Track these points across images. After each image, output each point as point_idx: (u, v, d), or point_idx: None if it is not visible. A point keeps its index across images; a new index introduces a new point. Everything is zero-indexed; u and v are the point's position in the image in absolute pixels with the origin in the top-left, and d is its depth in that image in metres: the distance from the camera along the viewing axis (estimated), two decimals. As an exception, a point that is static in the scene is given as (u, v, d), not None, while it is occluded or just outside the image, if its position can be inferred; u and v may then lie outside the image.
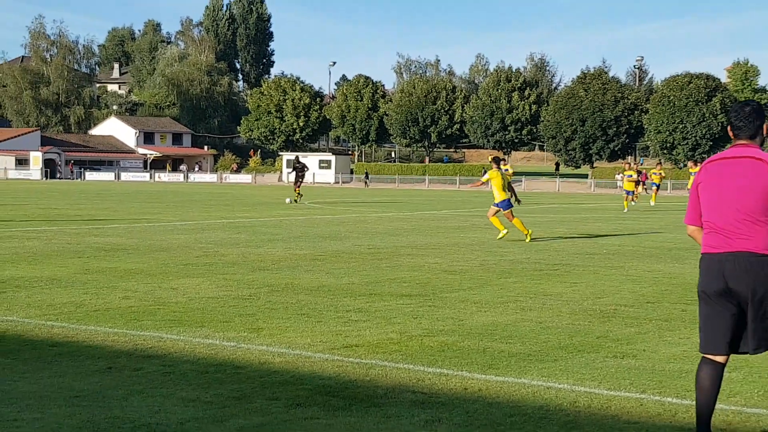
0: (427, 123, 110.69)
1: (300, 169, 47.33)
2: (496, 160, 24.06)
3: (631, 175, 44.49)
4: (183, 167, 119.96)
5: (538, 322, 11.11)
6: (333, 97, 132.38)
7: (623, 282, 15.22)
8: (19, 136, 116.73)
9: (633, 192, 44.82)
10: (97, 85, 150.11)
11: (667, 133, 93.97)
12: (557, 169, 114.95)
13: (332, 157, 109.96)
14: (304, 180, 49.08)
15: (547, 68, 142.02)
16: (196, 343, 9.57)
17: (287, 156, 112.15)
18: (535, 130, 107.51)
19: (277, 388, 7.75)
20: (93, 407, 7.06)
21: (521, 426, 6.74)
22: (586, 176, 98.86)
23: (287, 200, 43.34)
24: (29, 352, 9.04)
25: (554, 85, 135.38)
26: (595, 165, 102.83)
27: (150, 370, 8.31)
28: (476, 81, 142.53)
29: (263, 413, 6.98)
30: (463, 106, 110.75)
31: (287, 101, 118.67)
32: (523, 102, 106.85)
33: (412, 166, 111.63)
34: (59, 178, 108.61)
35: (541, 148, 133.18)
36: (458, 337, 10.12)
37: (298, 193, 46.71)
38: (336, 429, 6.60)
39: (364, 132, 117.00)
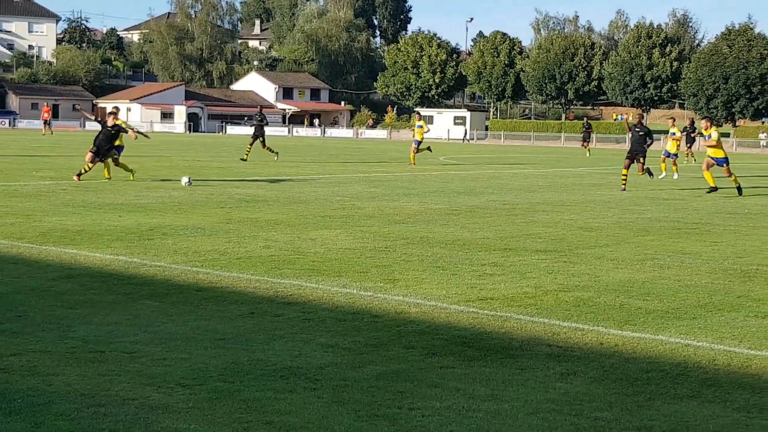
0: (564, 80, 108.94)
1: (259, 120, 39.60)
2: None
3: None
4: (316, 122, 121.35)
5: (677, 280, 10.96)
6: (469, 54, 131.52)
7: (766, 242, 14.83)
8: (164, 90, 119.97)
9: None
10: (239, 41, 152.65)
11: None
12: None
13: (467, 114, 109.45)
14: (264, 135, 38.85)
15: (690, 24, 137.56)
16: (335, 291, 9.80)
17: (424, 112, 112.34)
18: (675, 88, 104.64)
19: (413, 337, 7.90)
20: (237, 350, 7.33)
21: (658, 382, 6.71)
22: (728, 135, 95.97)
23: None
24: (176, 296, 9.42)
25: (697, 41, 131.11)
26: (737, 124, 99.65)
27: (290, 316, 8.57)
28: (615, 37, 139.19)
29: (400, 361, 7.13)
30: (601, 63, 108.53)
31: (424, 57, 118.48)
32: (663, 59, 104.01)
33: (548, 123, 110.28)
34: (202, 132, 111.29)
35: (681, 106, 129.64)
36: (594, 292, 10.08)
37: (268, 150, 38.41)
38: (471, 378, 6.70)
39: (500, 89, 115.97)
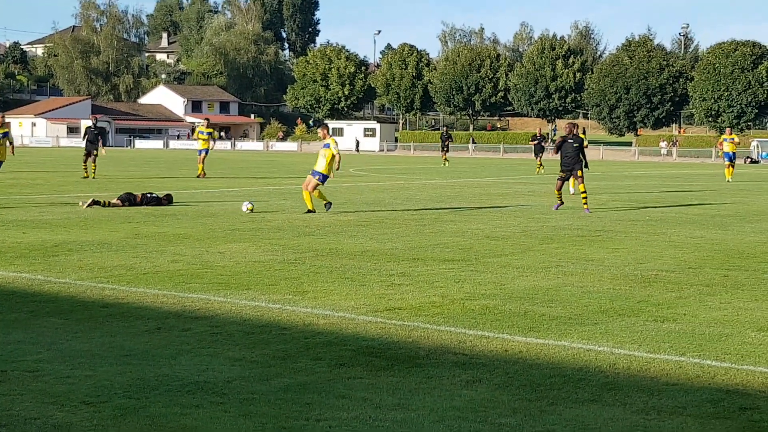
0: (471, 91, 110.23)
1: (97, 134, 34.42)
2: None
3: (734, 139, 39.90)
4: (223, 134, 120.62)
5: (579, 287, 11.20)
6: (378, 66, 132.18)
7: (665, 248, 15.23)
8: (70, 104, 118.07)
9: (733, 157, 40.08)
10: (146, 54, 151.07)
11: (713, 100, 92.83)
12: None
13: (377, 125, 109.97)
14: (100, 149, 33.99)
15: (592, 36, 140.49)
16: (243, 305, 9.79)
17: (333, 124, 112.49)
18: (579, 98, 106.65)
19: (321, 348, 7.94)
20: (143, 365, 7.28)
21: (560, 387, 6.86)
22: (630, 144, 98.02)
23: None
24: (81, 312, 9.30)
25: (598, 53, 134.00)
26: (639, 133, 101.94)
27: (198, 331, 8.53)
28: (520, 49, 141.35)
29: (308, 372, 7.16)
30: (507, 74, 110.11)
31: (332, 70, 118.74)
32: (567, 70, 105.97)
33: (456, 134, 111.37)
34: (110, 146, 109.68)
35: (585, 116, 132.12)
36: (500, 300, 10.24)
37: (87, 168, 33.97)
38: (378, 388, 6.77)
39: (408, 100, 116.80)
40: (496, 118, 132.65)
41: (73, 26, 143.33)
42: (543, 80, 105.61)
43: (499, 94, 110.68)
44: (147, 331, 8.50)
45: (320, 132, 21.68)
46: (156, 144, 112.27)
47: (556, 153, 22.82)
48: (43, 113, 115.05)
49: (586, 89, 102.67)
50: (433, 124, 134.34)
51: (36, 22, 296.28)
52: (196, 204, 23.06)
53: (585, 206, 22.36)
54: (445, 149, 55.37)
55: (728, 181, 38.37)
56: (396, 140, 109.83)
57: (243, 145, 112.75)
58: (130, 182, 32.21)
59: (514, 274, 12.22)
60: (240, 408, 6.22)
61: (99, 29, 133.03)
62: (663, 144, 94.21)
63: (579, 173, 22.55)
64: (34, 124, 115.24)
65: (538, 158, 46.60)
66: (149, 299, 10.05)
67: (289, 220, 19.18)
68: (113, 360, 7.44)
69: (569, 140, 22.65)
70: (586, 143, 24.85)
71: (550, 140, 24.14)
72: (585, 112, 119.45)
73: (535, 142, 49.16)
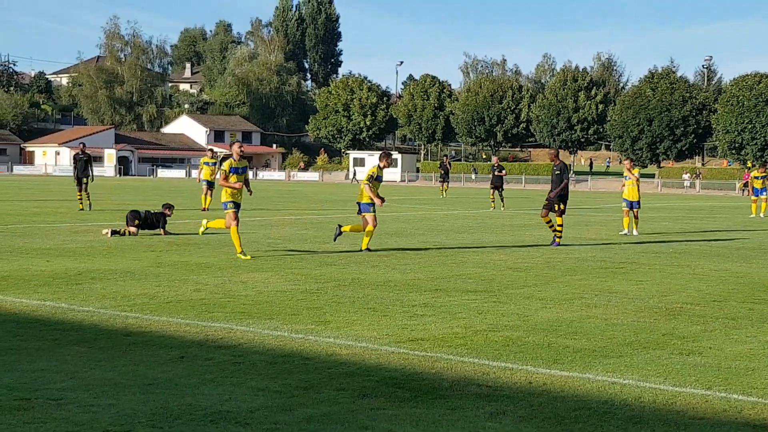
0: (493, 122, 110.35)
1: (86, 161, 32.67)
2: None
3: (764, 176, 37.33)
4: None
5: (603, 319, 11.14)
6: (400, 97, 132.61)
7: (690, 280, 15.13)
8: (93, 134, 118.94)
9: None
10: (169, 84, 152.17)
11: (736, 133, 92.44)
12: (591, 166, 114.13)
13: (398, 156, 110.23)
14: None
15: (614, 68, 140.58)
16: (265, 334, 9.78)
17: (354, 154, 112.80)
18: (601, 130, 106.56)
19: (344, 378, 7.91)
20: (166, 394, 7.27)
21: (585, 420, 6.80)
22: (653, 176, 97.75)
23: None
24: (105, 340, 9.31)
25: (621, 84, 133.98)
26: (662, 165, 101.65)
27: (221, 360, 8.53)
28: (542, 80, 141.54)
29: (330, 403, 7.13)
30: (529, 106, 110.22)
31: (354, 100, 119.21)
32: (589, 101, 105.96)
33: (478, 165, 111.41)
34: (132, 175, 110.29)
35: (608, 148, 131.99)
36: (523, 332, 10.19)
37: (83, 198, 32.22)
38: (401, 419, 6.73)
39: (430, 131, 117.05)
40: (518, 149, 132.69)
41: (98, 56, 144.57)
42: (565, 111, 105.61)
43: (521, 125, 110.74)
44: (170, 360, 8.49)
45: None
46: (179, 173, 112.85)
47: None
48: (66, 142, 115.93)
49: (609, 121, 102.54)
50: (455, 155, 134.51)
51: (61, 52, 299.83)
52: (218, 233, 23.11)
53: (556, 239, 21.18)
54: (445, 180, 54.48)
55: (755, 216, 37.46)
56: (417, 171, 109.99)
57: (265, 174, 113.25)
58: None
59: (538, 305, 12.17)
60: (263, 438, 6.20)
61: (123, 59, 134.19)
62: (686, 176, 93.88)
63: (561, 207, 21.23)
64: (57, 153, 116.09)
65: (495, 192, 40.37)
66: (172, 328, 10.06)
67: (311, 249, 19.18)
68: (137, 389, 7.44)
69: (553, 167, 21.73)
70: (636, 177, 24.97)
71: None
72: (607, 143, 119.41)
73: (443, 171, 51.55)
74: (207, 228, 19.07)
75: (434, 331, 10.13)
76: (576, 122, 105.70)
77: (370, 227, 18.85)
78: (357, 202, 19.28)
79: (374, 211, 18.95)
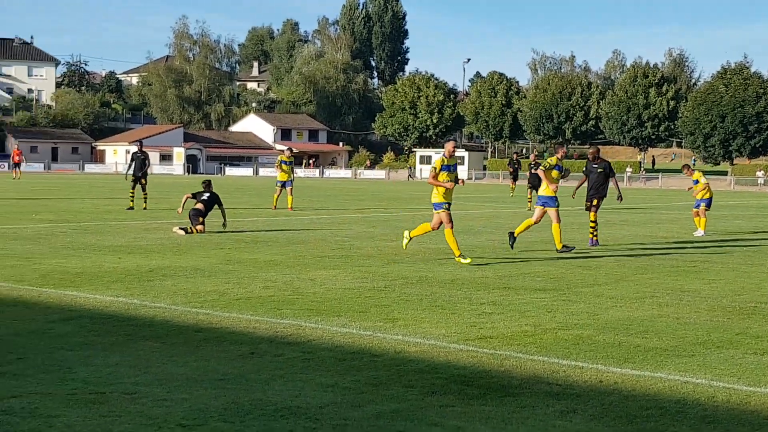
0: (561, 119, 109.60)
1: (143, 159, 31.71)
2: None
3: None
4: (312, 162, 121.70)
5: (675, 318, 11.00)
6: (467, 94, 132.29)
7: (763, 279, 14.88)
8: (163, 132, 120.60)
9: None
10: (237, 83, 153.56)
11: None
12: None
13: (465, 153, 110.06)
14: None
15: (686, 63, 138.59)
16: (334, 331, 9.83)
17: (420, 152, 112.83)
18: (672, 127, 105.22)
19: (413, 376, 7.91)
20: (237, 390, 7.35)
21: (657, 419, 6.73)
22: (725, 173, 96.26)
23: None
24: (177, 336, 9.44)
25: (693, 80, 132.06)
26: (735, 162, 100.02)
27: (290, 356, 8.59)
28: (612, 77, 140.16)
29: (399, 400, 7.15)
30: (598, 102, 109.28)
31: (421, 98, 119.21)
32: (660, 98, 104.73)
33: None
34: (201, 173, 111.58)
35: (679, 145, 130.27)
36: (593, 330, 10.11)
37: (135, 197, 31.48)
38: (471, 417, 6.72)
39: (497, 128, 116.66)
40: (586, 146, 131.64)
41: (167, 56, 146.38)
42: (635, 108, 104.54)
43: (590, 123, 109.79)
44: (240, 356, 8.58)
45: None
46: (246, 171, 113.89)
47: (586, 179, 21.27)
48: (136, 141, 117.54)
49: (680, 117, 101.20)
50: (523, 152, 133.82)
51: (131, 52, 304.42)
52: (286, 231, 23.30)
53: (591, 236, 20.44)
54: (515, 178, 50.26)
55: None
56: (484, 168, 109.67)
57: (331, 172, 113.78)
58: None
59: (608, 304, 12.05)
60: (333, 434, 6.23)
61: (192, 59, 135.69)
62: (760, 173, 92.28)
63: (594, 202, 20.78)
64: (128, 152, 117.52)
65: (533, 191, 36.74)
66: (242, 324, 10.16)
67: (378, 247, 19.23)
68: (208, 384, 7.52)
69: (594, 165, 21.05)
70: (703, 182, 24.02)
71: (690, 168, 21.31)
72: (678, 140, 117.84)
73: (512, 169, 47.91)
74: (411, 238, 17.53)
75: (503, 329, 10.09)
76: (646, 119, 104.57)
77: (428, 226, 17.39)
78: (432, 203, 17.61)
79: (447, 210, 17.00)
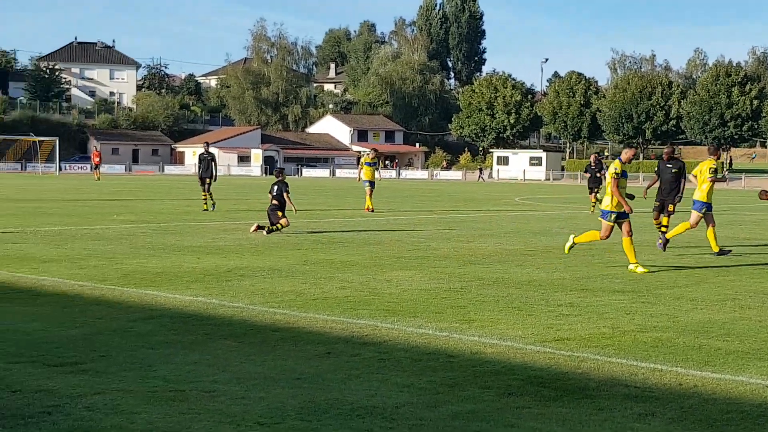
0: (641, 119, 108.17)
1: (210, 160, 31.44)
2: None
3: None
4: (388, 163, 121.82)
5: (758, 321, 10.79)
6: (544, 94, 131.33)
7: None
8: (241, 134, 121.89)
9: None
10: (314, 84, 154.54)
11: None
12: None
13: (543, 154, 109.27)
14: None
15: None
16: (410, 332, 9.84)
17: (498, 153, 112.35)
18: (756, 126, 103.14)
19: (489, 377, 7.89)
20: (314, 389, 7.40)
21: (738, 423, 6.62)
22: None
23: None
24: (254, 336, 9.55)
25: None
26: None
27: (366, 356, 8.62)
28: (694, 76, 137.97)
29: (476, 401, 7.14)
30: (679, 102, 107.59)
31: (498, 98, 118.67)
32: (743, 97, 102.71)
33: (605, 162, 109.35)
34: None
35: (763, 145, 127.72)
36: (673, 333, 9.97)
37: (207, 198, 31.20)
38: (548, 418, 6.68)
39: (575, 128, 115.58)
40: (667, 146, 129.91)
41: (245, 58, 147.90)
42: (718, 108, 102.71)
43: (671, 123, 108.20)
44: (317, 356, 8.64)
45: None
46: (323, 173, 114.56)
47: (657, 179, 20.19)
48: (215, 142, 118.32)
49: (765, 117, 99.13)
50: (605, 154, 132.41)
51: (210, 55, 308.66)
52: (362, 232, 23.39)
53: (660, 240, 19.12)
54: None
55: None
56: (563, 169, 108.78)
57: (408, 173, 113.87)
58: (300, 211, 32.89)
59: (688, 306, 11.88)
60: (409, 434, 6.25)
61: (269, 61, 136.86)
62: None
63: (671, 207, 19.79)
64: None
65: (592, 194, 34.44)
66: (319, 324, 10.23)
67: (454, 248, 19.21)
68: (285, 383, 7.59)
69: (668, 165, 19.90)
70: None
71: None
72: (762, 140, 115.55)
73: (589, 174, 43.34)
74: (574, 244, 16.76)
75: (580, 331, 10.01)
76: (729, 118, 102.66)
77: (596, 235, 16.28)
78: (603, 209, 16.16)
79: (612, 222, 15.83)
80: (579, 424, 6.55)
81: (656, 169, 20.47)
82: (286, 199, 22.03)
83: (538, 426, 6.48)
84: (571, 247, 16.68)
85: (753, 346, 9.31)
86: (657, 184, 20.46)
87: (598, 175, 33.84)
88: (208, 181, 30.91)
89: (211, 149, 32.68)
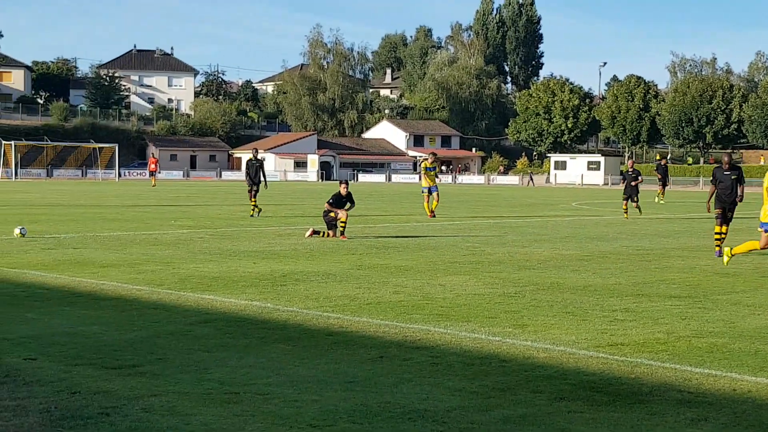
0: (702, 123, 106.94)
1: (258, 167, 31.52)
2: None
3: None
4: (444, 168, 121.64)
5: (816, 327, 10.66)
6: (603, 98, 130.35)
7: None
8: (297, 140, 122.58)
9: None
10: (370, 90, 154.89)
11: None
12: None
13: (601, 159, 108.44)
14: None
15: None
16: (463, 336, 9.87)
17: (555, 158, 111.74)
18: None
19: (541, 381, 7.90)
20: (366, 392, 7.47)
21: (793, 429, 6.56)
22: None
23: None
24: (308, 340, 9.64)
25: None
26: None
27: (419, 360, 8.67)
28: (756, 79, 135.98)
29: (527, 405, 7.15)
30: (740, 106, 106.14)
31: (556, 103, 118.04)
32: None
33: (685, 168, 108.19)
34: (334, 180, 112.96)
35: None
36: (728, 339, 9.88)
37: (254, 206, 30.97)
38: (599, 423, 6.67)
39: (634, 133, 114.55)
40: (728, 150, 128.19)
41: (302, 64, 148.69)
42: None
43: (732, 126, 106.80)
44: (370, 360, 8.71)
45: None
46: (379, 178, 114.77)
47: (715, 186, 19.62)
48: (272, 148, 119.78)
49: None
50: (669, 158, 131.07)
51: (267, 61, 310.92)
52: (417, 237, 23.44)
53: (718, 247, 19.10)
54: (664, 183, 47.75)
55: None
56: (621, 173, 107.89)
57: (464, 178, 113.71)
58: (355, 216, 33.03)
59: (745, 312, 11.76)
60: (460, 437, 6.28)
61: (326, 67, 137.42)
62: None
63: (729, 215, 19.49)
64: (264, 159, 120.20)
65: (628, 201, 33.34)
66: (372, 329, 10.30)
67: (509, 253, 19.18)
68: (338, 386, 7.67)
69: (725, 172, 19.42)
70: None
71: None
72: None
73: (660, 175, 44.44)
74: (733, 255, 16.70)
75: (635, 337, 9.96)
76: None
77: (756, 244, 16.24)
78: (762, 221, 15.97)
79: None
80: (630, 428, 6.54)
81: (712, 178, 19.79)
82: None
83: (589, 430, 6.49)
84: (729, 260, 16.64)
85: (810, 352, 9.20)
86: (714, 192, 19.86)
87: (633, 183, 33.16)
88: (255, 188, 30.66)
89: (260, 155, 32.38)
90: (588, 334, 10.09)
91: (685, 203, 51.33)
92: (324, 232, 22.00)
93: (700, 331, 10.31)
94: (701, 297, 13.03)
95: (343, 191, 22.34)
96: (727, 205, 19.49)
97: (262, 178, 31.03)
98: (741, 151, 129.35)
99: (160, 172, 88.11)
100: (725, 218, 19.52)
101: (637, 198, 33.08)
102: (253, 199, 30.89)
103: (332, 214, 22.01)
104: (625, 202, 33.16)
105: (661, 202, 46.74)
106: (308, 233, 22.07)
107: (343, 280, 14.45)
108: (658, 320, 11.03)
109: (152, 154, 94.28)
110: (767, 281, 14.93)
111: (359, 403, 7.12)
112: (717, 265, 17.29)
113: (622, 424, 6.64)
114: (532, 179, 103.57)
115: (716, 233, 19.59)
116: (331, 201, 22.16)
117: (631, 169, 33.69)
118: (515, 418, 6.77)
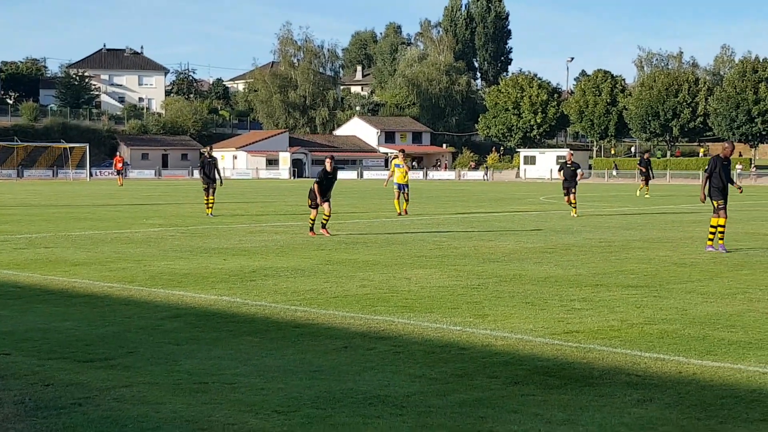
0: (668, 117, 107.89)
1: (213, 165, 30.88)
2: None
3: None
4: (415, 164, 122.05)
5: (765, 313, 11.10)
6: (571, 93, 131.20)
7: None
8: (269, 137, 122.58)
9: None
10: (341, 87, 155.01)
11: None
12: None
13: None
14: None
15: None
16: (425, 326, 10.23)
17: (525, 152, 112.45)
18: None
19: (498, 367, 8.27)
20: (330, 380, 7.81)
21: (731, 407, 6.95)
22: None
23: None
24: (275, 332, 9.97)
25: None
26: None
27: (382, 350, 9.02)
28: (721, 72, 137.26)
29: (483, 389, 7.52)
30: (706, 99, 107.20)
31: (525, 98, 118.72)
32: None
33: (652, 161, 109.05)
34: (306, 177, 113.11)
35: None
36: (679, 325, 10.29)
37: (212, 203, 30.47)
38: (550, 405, 7.05)
39: (602, 127, 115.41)
40: (695, 143, 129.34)
41: (272, 62, 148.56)
42: (745, 104, 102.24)
43: (698, 119, 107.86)
44: (335, 350, 9.05)
45: None
46: (350, 174, 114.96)
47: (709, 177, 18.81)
48: (243, 146, 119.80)
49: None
50: (631, 152, 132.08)
51: (237, 59, 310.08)
52: (385, 233, 23.78)
53: (709, 242, 18.86)
54: (647, 177, 47.79)
55: None
56: (590, 167, 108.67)
57: (435, 174, 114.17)
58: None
59: (698, 300, 12.19)
60: (417, 419, 6.64)
61: (296, 64, 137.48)
62: None
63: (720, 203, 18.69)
64: (235, 157, 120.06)
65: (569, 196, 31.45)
66: (338, 320, 10.64)
67: (475, 247, 19.55)
68: (303, 375, 8.00)
69: (724, 162, 18.74)
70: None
71: None
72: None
73: (643, 168, 47.71)
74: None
75: (590, 324, 10.36)
76: (756, 115, 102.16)
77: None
78: None
79: None
80: (579, 409, 6.91)
81: (711, 167, 18.80)
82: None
83: (540, 412, 6.85)
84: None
85: (756, 337, 9.62)
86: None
87: (643, 169, 39.36)
88: (213, 185, 30.22)
89: (214, 152, 31.51)
90: (545, 322, 10.48)
91: (650, 195, 51.94)
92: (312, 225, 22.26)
93: (653, 319, 10.72)
94: (657, 286, 13.46)
95: (329, 167, 22.58)
96: (725, 196, 18.66)
97: (217, 176, 30.54)
98: (708, 144, 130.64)
99: (126, 175, 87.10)
100: (723, 209, 18.62)
101: (575, 191, 31.30)
102: (210, 197, 30.31)
103: (318, 201, 22.10)
104: (566, 197, 31.48)
105: (646, 195, 47.30)
106: (321, 231, 22.18)
107: (312, 274, 14.77)
108: (614, 309, 11.44)
109: (118, 153, 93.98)
110: (722, 270, 15.39)
111: (323, 390, 7.46)
112: (675, 255, 17.75)
113: (572, 406, 7.01)
114: (487, 174, 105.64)
115: (720, 226, 18.66)
116: (318, 180, 22.40)
117: (569, 163, 32.01)
118: (471, 402, 7.13)
